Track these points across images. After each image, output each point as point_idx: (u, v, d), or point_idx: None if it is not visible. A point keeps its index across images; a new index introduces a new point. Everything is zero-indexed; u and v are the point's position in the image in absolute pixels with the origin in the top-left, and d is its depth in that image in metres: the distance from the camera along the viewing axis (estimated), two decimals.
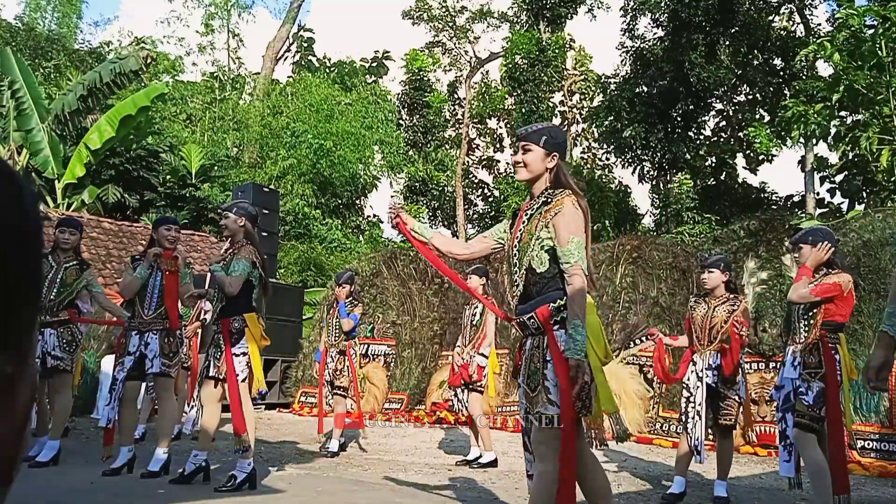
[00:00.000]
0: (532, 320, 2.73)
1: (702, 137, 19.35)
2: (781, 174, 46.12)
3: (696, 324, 4.67)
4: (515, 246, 2.84)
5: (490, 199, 25.08)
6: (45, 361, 5.13)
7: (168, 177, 16.76)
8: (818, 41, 11.75)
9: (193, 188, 16.42)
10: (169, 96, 20.88)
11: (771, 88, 17.99)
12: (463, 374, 5.89)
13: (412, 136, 24.20)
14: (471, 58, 25.60)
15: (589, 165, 22.44)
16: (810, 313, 3.92)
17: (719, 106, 19.48)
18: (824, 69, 15.64)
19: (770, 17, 18.26)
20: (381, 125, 23.10)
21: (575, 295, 2.60)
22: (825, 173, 14.55)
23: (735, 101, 19.26)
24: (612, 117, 18.35)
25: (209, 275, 5.04)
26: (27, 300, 0.54)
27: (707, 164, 19.69)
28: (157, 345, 4.92)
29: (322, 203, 21.39)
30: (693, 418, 4.55)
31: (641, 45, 18.79)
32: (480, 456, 5.82)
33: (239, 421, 4.45)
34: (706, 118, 19.34)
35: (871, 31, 10.36)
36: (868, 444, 6.39)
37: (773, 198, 19.22)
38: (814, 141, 13.46)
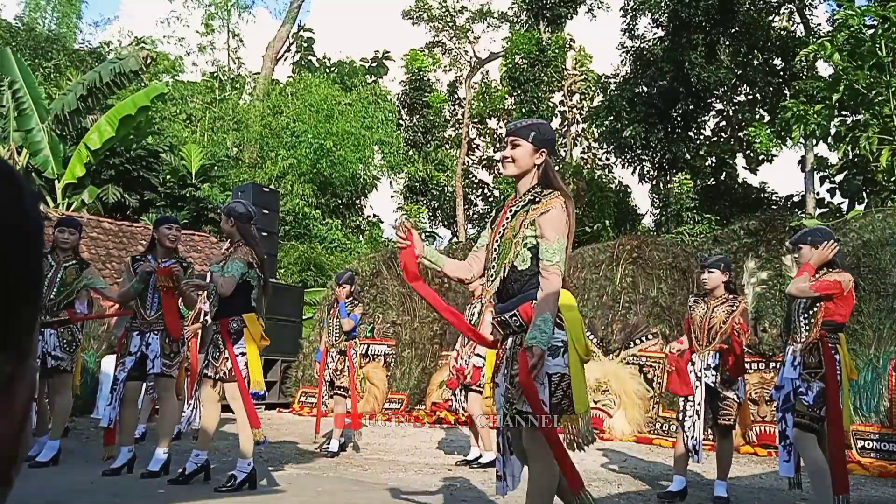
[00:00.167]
0: (514, 318, 2.73)
1: (702, 137, 19.34)
2: (781, 174, 46.17)
3: (696, 324, 4.67)
4: (496, 241, 2.83)
5: (490, 199, 25.04)
6: (45, 361, 5.12)
7: (168, 177, 16.75)
8: (818, 41, 11.74)
9: (193, 188, 16.41)
10: (169, 96, 20.85)
11: (771, 88, 17.97)
12: (459, 376, 5.90)
13: (412, 136, 24.18)
14: (471, 58, 25.58)
15: (589, 165, 22.39)
16: (810, 312, 3.91)
17: (719, 106, 19.46)
18: (824, 69, 15.64)
19: (770, 17, 18.24)
20: (381, 125, 23.09)
21: (550, 292, 2.61)
22: (825, 173, 14.55)
23: (735, 101, 19.24)
24: (612, 117, 18.32)
25: (209, 275, 5.04)
26: (27, 300, 0.54)
27: (707, 164, 19.67)
28: (159, 345, 4.92)
29: (322, 203, 21.39)
30: (692, 418, 4.56)
31: (641, 45, 18.77)
32: (480, 456, 5.82)
33: (253, 415, 4.48)
34: (706, 118, 19.32)
35: (871, 31, 10.34)
36: (868, 444, 6.39)
37: (773, 198, 19.19)
38: (814, 141, 13.45)
